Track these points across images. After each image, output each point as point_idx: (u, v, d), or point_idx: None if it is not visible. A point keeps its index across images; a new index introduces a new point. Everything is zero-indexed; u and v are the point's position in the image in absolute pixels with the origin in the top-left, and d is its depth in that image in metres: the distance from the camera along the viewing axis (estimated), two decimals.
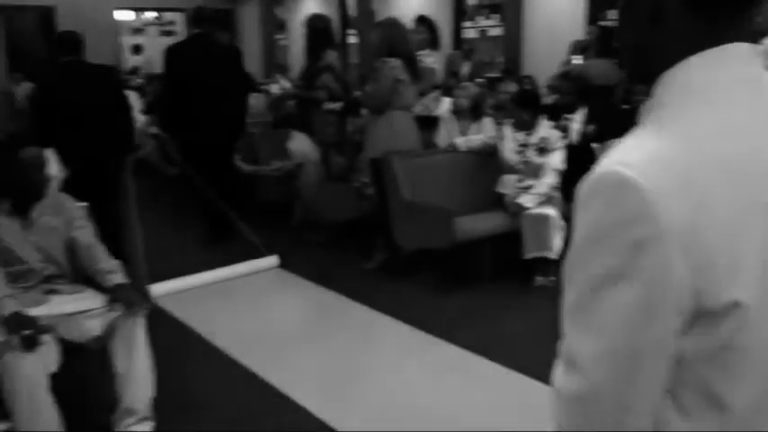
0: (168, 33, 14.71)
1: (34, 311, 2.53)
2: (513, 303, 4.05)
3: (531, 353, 3.36)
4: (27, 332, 2.34)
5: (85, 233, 2.91)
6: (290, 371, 3.26)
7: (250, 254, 4.71)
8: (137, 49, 11.83)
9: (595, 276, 0.77)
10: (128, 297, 2.68)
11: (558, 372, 0.83)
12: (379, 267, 4.62)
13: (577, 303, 0.80)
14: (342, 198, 4.97)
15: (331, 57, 4.94)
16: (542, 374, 3.09)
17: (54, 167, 3.34)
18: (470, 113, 4.97)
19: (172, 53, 5.07)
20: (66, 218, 2.87)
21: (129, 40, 13.22)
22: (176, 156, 5.22)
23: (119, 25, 13.53)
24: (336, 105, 4.92)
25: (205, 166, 4.94)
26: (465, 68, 8.15)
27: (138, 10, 13.94)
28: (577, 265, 0.80)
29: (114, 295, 2.69)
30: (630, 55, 0.93)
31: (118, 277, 2.78)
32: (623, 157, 0.79)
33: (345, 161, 5.13)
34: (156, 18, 14.63)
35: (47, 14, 12.80)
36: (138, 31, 14.13)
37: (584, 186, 0.81)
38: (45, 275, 2.78)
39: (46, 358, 2.41)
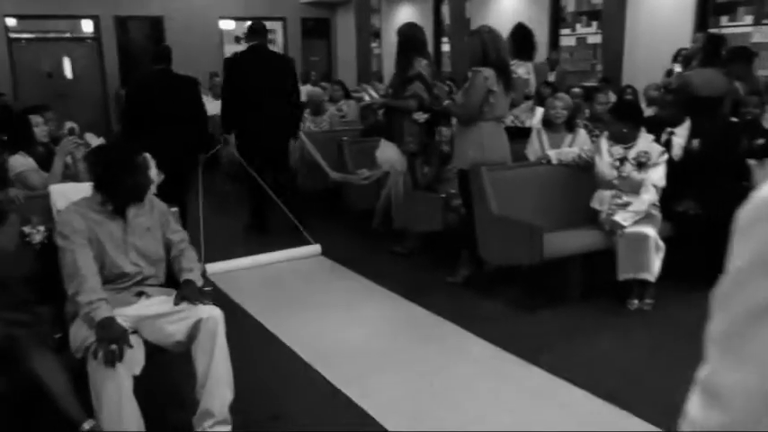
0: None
1: (124, 311, 2.61)
2: (604, 327, 3.83)
3: (622, 381, 3.17)
4: (113, 347, 2.40)
5: (178, 236, 2.99)
6: (367, 385, 3.21)
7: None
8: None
9: (758, 305, 0.72)
10: (188, 293, 2.73)
11: (695, 403, 0.78)
12: (463, 282, 4.50)
13: (731, 332, 0.75)
14: (428, 209, 4.89)
15: (421, 65, 4.88)
16: (633, 406, 2.91)
17: (153, 171, 3.47)
18: (564, 125, 4.77)
19: (230, 63, 5.54)
20: (160, 220, 2.95)
21: (231, 48, 13.75)
22: (236, 154, 5.62)
23: (222, 33, 14.09)
24: (425, 116, 4.84)
25: (261, 163, 5.48)
26: (550, 78, 7.90)
27: (240, 19, 14.45)
28: (735, 292, 0.75)
29: (179, 290, 2.76)
30: None
31: (191, 275, 2.84)
32: None
33: (432, 171, 5.05)
34: None
35: (156, 24, 13.55)
36: (239, 39, 14.65)
37: (748, 209, 0.75)
38: (138, 278, 2.84)
39: (132, 361, 2.47)
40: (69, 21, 13.06)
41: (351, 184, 5.76)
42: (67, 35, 13.22)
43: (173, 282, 2.91)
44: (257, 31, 5.59)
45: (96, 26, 13.01)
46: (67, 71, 13.14)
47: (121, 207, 2.81)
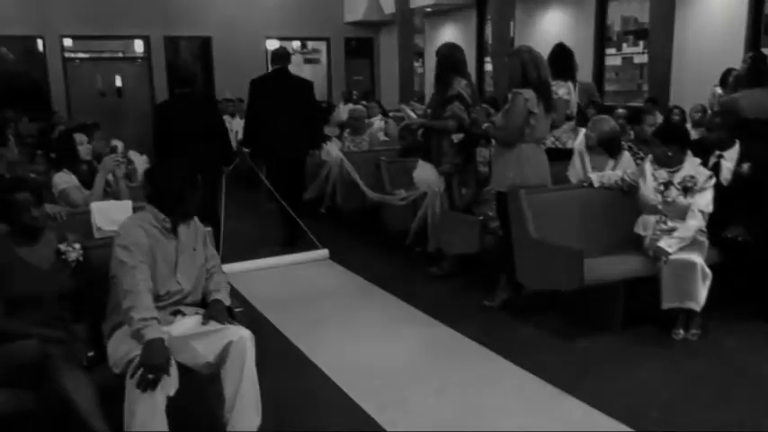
0: (311, 61, 15.40)
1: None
2: (647, 357, 3.68)
3: (664, 415, 3.04)
4: (150, 377, 2.40)
5: (212, 258, 3.01)
6: (400, 409, 3.16)
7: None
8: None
9: None
10: (216, 312, 2.75)
11: None
12: (500, 306, 4.41)
13: None
14: (464, 231, 4.82)
15: (461, 85, 4.84)
16: None
17: None
18: (614, 146, 4.65)
19: (254, 85, 6.00)
20: (200, 240, 2.96)
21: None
22: (255, 167, 6.18)
23: (268, 53, 14.35)
24: (460, 136, 4.80)
25: (280, 176, 5.97)
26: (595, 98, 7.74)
27: (286, 39, 14.71)
28: None
29: (207, 310, 2.77)
30: None
31: (219, 295, 2.85)
32: None
33: (470, 193, 4.99)
34: (302, 47, 15.37)
35: (205, 44, 13.89)
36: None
37: None
38: (178, 296, 2.83)
39: (167, 382, 2.47)
40: (122, 41, 13.51)
41: (388, 204, 5.74)
42: (120, 54, 13.66)
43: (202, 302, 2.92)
44: (280, 56, 6.07)
45: (147, 46, 13.41)
46: (119, 89, 13.56)
47: (178, 224, 2.83)
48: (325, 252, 5.73)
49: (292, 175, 6.08)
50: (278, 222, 6.27)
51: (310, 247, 5.82)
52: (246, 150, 6.13)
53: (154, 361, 2.43)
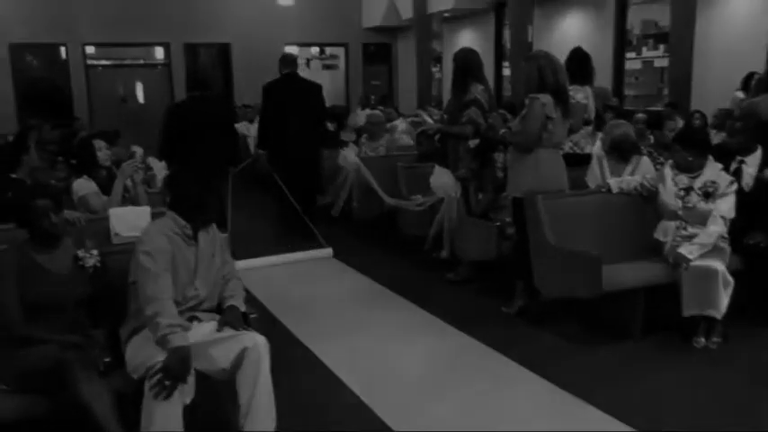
0: (329, 67, 15.47)
1: None
2: (666, 365, 3.62)
3: (683, 424, 2.99)
4: (168, 383, 2.42)
5: (228, 265, 3.02)
6: (413, 414, 3.14)
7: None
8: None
9: None
10: (231, 318, 2.75)
11: None
12: (517, 313, 4.37)
13: None
14: (481, 236, 4.79)
15: (477, 90, 4.82)
16: None
17: None
18: (625, 151, 4.60)
19: (266, 89, 6.29)
20: (217, 246, 2.96)
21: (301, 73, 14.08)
22: (267, 167, 6.38)
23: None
24: (476, 141, 4.77)
25: (291, 177, 6.19)
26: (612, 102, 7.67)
27: (304, 45, 14.80)
28: None
29: (223, 316, 2.78)
30: None
31: (234, 301, 2.86)
32: None
33: (486, 198, 4.96)
34: (320, 52, 15.45)
35: (224, 50, 14.02)
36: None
37: None
38: (194, 302, 2.83)
39: (185, 389, 2.49)
40: (143, 48, 13.68)
41: (405, 209, 5.73)
42: (141, 61, 13.83)
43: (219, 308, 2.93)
44: (289, 62, 6.38)
45: (167, 53, 13.56)
46: (140, 96, 13.72)
47: (198, 230, 2.84)
48: (328, 251, 5.89)
49: (305, 176, 6.32)
50: (282, 220, 6.48)
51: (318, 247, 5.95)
52: (262, 152, 6.36)
53: (177, 368, 2.44)
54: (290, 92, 6.19)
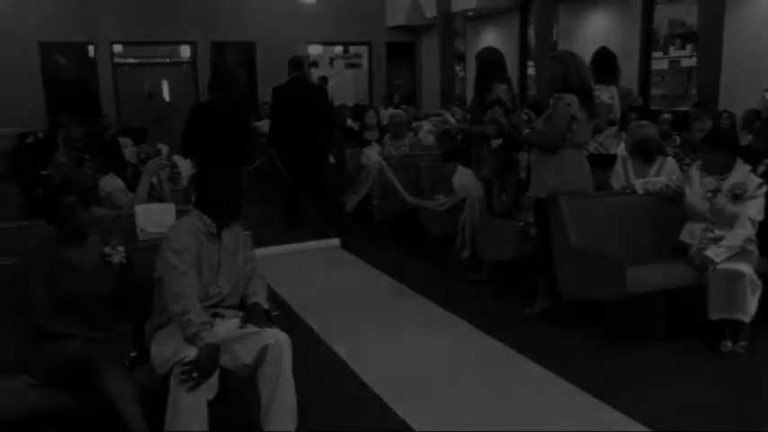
0: (353, 66, 15.49)
1: None
2: (692, 369, 3.58)
3: (708, 430, 2.94)
4: (194, 375, 2.45)
5: (253, 260, 3.04)
6: (433, 413, 3.14)
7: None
8: (323, 80, 12.71)
9: None
10: (254, 316, 2.78)
11: None
12: (540, 314, 4.34)
13: None
14: (504, 236, 4.76)
15: (501, 90, 4.79)
16: None
17: None
18: (649, 152, 4.54)
19: (276, 91, 6.62)
20: (241, 243, 2.98)
21: (317, 72, 14.10)
22: (279, 165, 6.65)
23: (310, 57, 14.47)
24: (498, 141, 4.74)
25: (299, 171, 6.52)
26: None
27: (328, 44, 14.83)
28: None
29: (245, 313, 2.80)
30: None
31: (257, 298, 2.87)
32: None
33: (509, 198, 4.92)
34: (344, 51, 15.47)
35: (249, 48, 14.10)
36: (316, 63, 15.00)
37: None
38: (217, 299, 2.85)
39: (209, 385, 2.52)
40: (169, 47, 13.82)
41: (427, 209, 5.72)
42: (167, 60, 13.98)
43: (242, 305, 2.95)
44: (296, 65, 6.67)
45: (193, 51, 13.69)
46: (166, 94, 13.87)
47: (223, 228, 2.85)
48: (335, 241, 6.23)
49: (314, 174, 6.62)
50: (289, 208, 6.85)
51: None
52: (273, 151, 6.69)
53: (207, 365, 2.48)
54: (298, 94, 6.52)
